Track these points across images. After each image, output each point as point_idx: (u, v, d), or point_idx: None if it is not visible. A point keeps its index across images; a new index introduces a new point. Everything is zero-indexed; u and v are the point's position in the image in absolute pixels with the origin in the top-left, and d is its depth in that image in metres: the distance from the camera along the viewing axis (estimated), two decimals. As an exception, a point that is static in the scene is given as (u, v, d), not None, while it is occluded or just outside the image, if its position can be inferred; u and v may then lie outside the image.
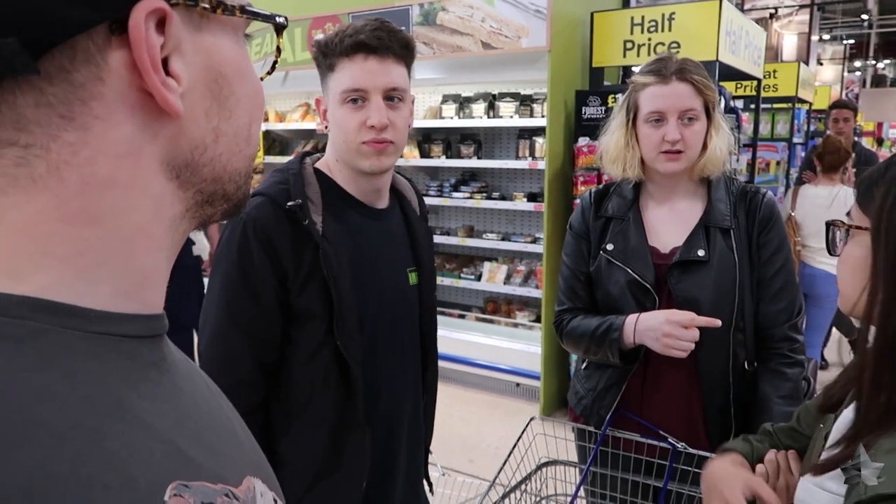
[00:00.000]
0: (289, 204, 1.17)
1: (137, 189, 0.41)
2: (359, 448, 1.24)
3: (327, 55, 1.22)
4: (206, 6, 0.42)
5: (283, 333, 1.21)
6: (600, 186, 1.66)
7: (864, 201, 0.89)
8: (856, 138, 5.54)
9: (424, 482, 1.49)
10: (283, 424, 1.24)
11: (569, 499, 1.48)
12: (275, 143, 5.61)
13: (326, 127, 1.27)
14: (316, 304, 1.19)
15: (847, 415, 0.93)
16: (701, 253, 1.45)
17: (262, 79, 0.52)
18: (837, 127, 5.03)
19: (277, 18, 0.51)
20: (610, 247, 1.53)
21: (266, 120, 5.33)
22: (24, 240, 0.38)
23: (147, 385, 0.41)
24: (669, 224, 1.53)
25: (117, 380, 0.38)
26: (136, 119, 0.40)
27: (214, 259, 1.23)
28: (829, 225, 0.96)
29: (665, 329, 1.36)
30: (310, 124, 5.14)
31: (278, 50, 0.55)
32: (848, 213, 0.93)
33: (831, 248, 0.97)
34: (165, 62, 0.40)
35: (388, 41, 1.19)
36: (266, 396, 1.23)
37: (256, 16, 0.47)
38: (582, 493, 1.51)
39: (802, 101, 7.09)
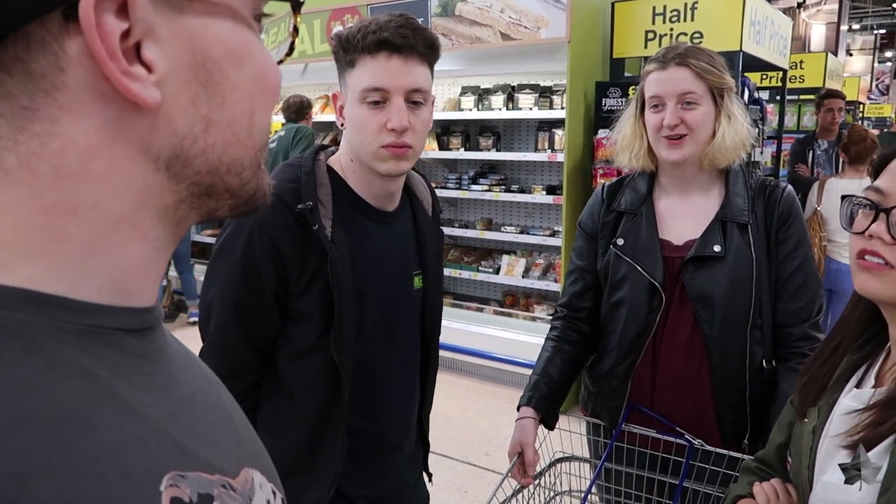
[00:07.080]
0: (298, 207, 1.13)
1: (116, 180, 0.39)
2: (332, 454, 1.23)
3: (348, 50, 1.16)
4: None
5: (280, 326, 1.22)
6: (614, 180, 1.63)
7: None
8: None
9: (424, 474, 1.49)
10: (268, 413, 1.25)
11: (582, 494, 1.46)
12: (294, 135, 5.63)
13: (342, 124, 1.23)
14: (315, 309, 1.18)
15: (848, 403, 0.91)
16: (717, 248, 1.41)
17: (280, 62, 0.48)
18: (832, 116, 4.90)
19: None
20: (621, 241, 1.51)
21: (285, 112, 5.34)
22: (4, 230, 0.37)
23: (140, 377, 0.40)
24: (684, 217, 1.49)
25: (108, 372, 0.38)
26: (107, 109, 0.38)
27: (216, 250, 1.21)
28: None
29: None
30: (329, 116, 5.14)
31: (295, 30, 0.50)
32: None
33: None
34: (138, 48, 0.38)
35: (412, 40, 1.14)
36: (260, 382, 1.25)
37: None
38: (595, 489, 1.50)
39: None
